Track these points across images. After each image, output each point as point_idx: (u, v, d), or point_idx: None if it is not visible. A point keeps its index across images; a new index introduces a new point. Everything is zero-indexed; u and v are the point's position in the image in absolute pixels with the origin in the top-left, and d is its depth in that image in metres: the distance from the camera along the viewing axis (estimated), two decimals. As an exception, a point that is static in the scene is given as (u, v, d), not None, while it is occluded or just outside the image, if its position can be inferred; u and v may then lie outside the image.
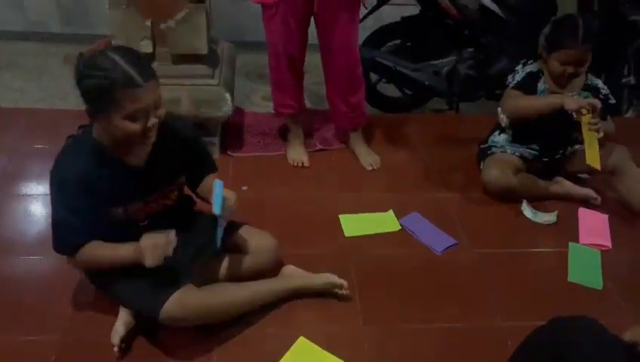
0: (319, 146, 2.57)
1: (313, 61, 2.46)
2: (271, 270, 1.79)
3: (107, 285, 1.62)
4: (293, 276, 1.80)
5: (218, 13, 3.64)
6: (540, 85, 2.14)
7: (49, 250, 1.55)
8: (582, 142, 2.11)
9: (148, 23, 2.09)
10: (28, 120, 2.66)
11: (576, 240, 2.12)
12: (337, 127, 2.60)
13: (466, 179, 2.42)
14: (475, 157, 2.47)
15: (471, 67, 2.93)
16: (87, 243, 1.50)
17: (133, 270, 1.50)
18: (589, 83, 2.20)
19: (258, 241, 1.75)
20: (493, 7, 2.77)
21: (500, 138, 2.33)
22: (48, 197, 1.52)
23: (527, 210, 2.22)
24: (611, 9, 2.81)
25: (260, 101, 3.25)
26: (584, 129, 1.98)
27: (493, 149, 2.32)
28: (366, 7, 2.40)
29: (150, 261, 1.44)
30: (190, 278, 1.59)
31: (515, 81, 2.17)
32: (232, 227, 1.72)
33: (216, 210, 1.57)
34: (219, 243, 1.64)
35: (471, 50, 2.92)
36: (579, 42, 1.99)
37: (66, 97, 2.97)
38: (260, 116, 2.80)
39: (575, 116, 1.99)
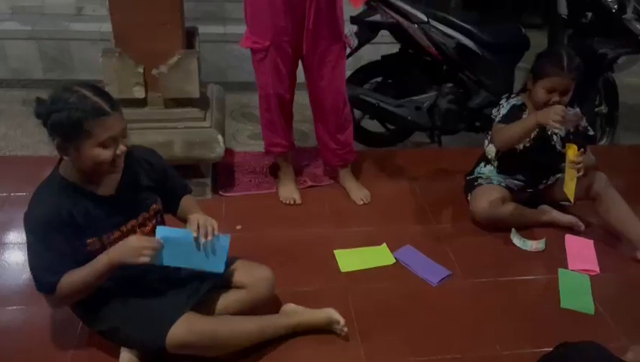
0: (310, 183, 2.61)
1: (296, 99, 2.52)
2: (268, 303, 1.79)
3: (107, 324, 1.61)
4: (295, 312, 1.81)
5: (201, 55, 3.72)
6: (525, 116, 2.23)
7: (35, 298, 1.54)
8: (562, 170, 2.22)
9: (140, 69, 2.13)
10: (11, 168, 2.64)
11: (565, 266, 2.18)
12: (327, 164, 2.65)
13: (455, 209, 2.48)
14: (460, 188, 2.54)
15: (451, 101, 3.02)
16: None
17: (127, 306, 1.54)
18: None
19: (253, 272, 1.76)
20: (470, 44, 2.88)
21: (485, 169, 2.40)
22: (26, 246, 1.53)
23: (516, 239, 2.28)
24: (581, 43, 2.95)
25: (246, 140, 3.28)
26: (567, 161, 2.07)
27: (480, 180, 2.39)
28: (351, 48, 2.48)
29: (134, 258, 1.47)
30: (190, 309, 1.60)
31: (500, 115, 2.26)
32: (226, 262, 1.73)
33: (219, 267, 1.59)
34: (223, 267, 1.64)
35: (450, 85, 3.02)
36: (564, 71, 2.11)
37: (51, 143, 2.96)
38: (250, 155, 2.84)
39: (561, 148, 2.09)
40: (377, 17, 2.89)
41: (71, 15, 3.66)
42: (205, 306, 1.70)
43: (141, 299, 1.60)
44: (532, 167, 2.30)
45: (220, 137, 2.28)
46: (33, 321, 1.81)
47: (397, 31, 2.95)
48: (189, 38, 2.31)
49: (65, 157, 1.49)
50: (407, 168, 2.84)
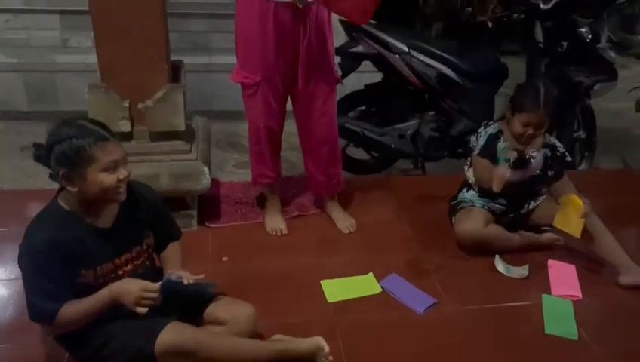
0: (296, 213, 2.63)
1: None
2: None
3: (93, 343, 1.61)
4: (282, 340, 1.81)
5: (187, 86, 3.74)
6: (500, 144, 2.29)
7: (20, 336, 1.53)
8: (542, 194, 2.31)
9: (126, 103, 2.15)
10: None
11: (549, 291, 2.21)
12: (314, 194, 2.66)
13: (440, 236, 2.51)
14: (444, 214, 2.57)
15: (433, 129, 3.08)
16: (62, 306, 1.52)
17: (118, 321, 1.56)
18: (548, 141, 2.38)
19: (235, 310, 1.76)
20: (451, 73, 2.95)
21: (468, 194, 2.45)
22: (10, 282, 1.53)
23: (500, 265, 2.31)
24: (557, 71, 3.04)
25: (233, 169, 3.30)
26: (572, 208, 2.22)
27: (463, 204, 2.43)
28: (342, 83, 2.49)
29: (132, 306, 1.52)
30: None
31: (478, 147, 2.33)
32: (209, 298, 1.74)
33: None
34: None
35: (432, 113, 3.08)
36: (540, 107, 2.18)
37: (34, 175, 2.96)
38: (236, 185, 2.85)
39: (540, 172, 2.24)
40: (360, 48, 2.96)
41: (56, 47, 3.67)
42: None
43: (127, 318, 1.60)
44: (512, 191, 2.33)
45: (205, 169, 2.30)
46: (18, 358, 1.78)
47: (379, 61, 3.01)
48: (175, 71, 2.34)
49: (70, 188, 1.52)
50: (392, 196, 2.87)
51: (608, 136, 3.74)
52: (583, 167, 3.32)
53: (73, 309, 1.53)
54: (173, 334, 1.56)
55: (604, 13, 3.01)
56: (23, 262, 1.53)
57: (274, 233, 2.47)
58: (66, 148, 1.47)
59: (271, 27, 2.11)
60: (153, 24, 2.11)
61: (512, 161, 2.26)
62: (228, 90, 3.83)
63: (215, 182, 2.82)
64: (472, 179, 2.43)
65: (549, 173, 2.36)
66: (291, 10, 2.10)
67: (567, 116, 3.18)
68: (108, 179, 1.51)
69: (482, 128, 2.38)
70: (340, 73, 2.52)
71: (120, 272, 1.63)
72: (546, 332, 2.02)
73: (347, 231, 2.52)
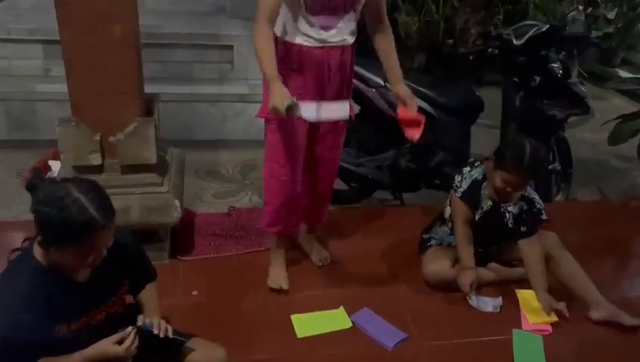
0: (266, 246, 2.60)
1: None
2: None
3: None
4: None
5: (167, 113, 3.76)
6: (483, 191, 2.26)
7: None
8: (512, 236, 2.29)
9: (97, 137, 2.16)
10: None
11: (519, 325, 2.21)
12: None
13: (412, 269, 2.49)
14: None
15: (410, 160, 3.11)
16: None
17: None
18: (527, 195, 2.28)
19: (207, 354, 1.73)
20: (426, 106, 2.99)
21: (440, 230, 2.45)
22: None
23: (472, 300, 2.31)
24: (531, 105, 3.09)
25: (211, 199, 3.28)
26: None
27: (433, 241, 2.44)
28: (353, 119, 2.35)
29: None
30: None
31: (461, 189, 2.26)
32: (180, 340, 1.70)
33: None
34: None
35: (409, 145, 3.10)
36: (522, 170, 2.09)
37: (11, 206, 2.94)
38: (211, 216, 2.85)
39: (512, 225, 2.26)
40: (337, 81, 3.00)
41: (38, 76, 3.69)
42: None
43: None
44: (483, 233, 2.32)
45: (177, 202, 2.29)
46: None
47: (356, 94, 3.04)
48: (149, 104, 2.35)
49: (43, 250, 1.46)
50: (367, 227, 2.87)
51: (585, 167, 3.79)
52: (559, 198, 3.35)
53: None
54: None
55: (574, 50, 3.06)
56: None
57: (275, 287, 2.33)
58: (56, 223, 1.37)
59: (304, 64, 2.04)
60: (126, 58, 2.13)
61: (484, 209, 2.25)
62: (209, 120, 3.89)
63: (190, 213, 2.81)
64: (447, 214, 2.43)
65: (522, 228, 2.27)
66: (328, 50, 2.05)
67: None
68: (86, 261, 1.45)
69: (468, 168, 2.31)
70: (354, 111, 2.42)
71: (93, 323, 1.59)
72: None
73: (320, 264, 2.51)
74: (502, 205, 2.26)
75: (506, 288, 2.41)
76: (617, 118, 3.40)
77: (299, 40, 2.01)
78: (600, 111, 4.46)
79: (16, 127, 3.64)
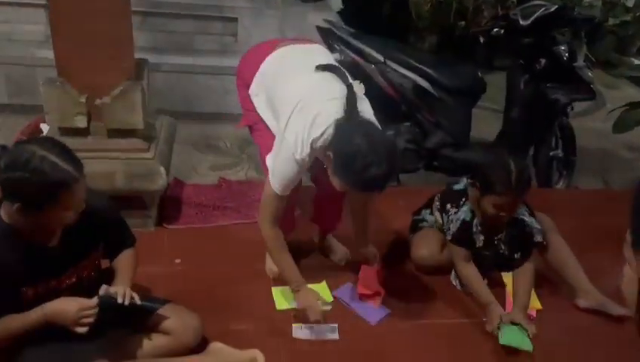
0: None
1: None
2: (193, 350, 1.75)
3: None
4: (219, 353, 1.77)
5: (167, 84, 3.74)
6: (474, 228, 2.15)
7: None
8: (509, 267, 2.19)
9: (83, 99, 2.13)
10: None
11: (503, 308, 2.16)
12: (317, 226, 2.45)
13: (401, 250, 2.46)
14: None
15: (409, 141, 3.06)
16: None
17: (43, 345, 1.48)
18: (517, 217, 2.14)
19: (180, 321, 1.73)
20: (427, 85, 2.93)
21: (430, 218, 2.39)
22: None
23: (455, 281, 2.27)
24: (535, 88, 3.01)
25: (207, 171, 3.27)
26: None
27: (424, 223, 2.39)
28: None
29: (71, 326, 1.47)
30: (105, 355, 1.55)
31: (451, 232, 2.14)
32: (150, 306, 1.69)
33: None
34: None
35: (408, 124, 3.05)
36: (512, 188, 1.96)
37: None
38: (201, 188, 2.82)
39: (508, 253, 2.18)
40: (336, 56, 2.94)
41: (39, 42, 3.67)
42: (126, 350, 1.66)
43: (54, 339, 1.53)
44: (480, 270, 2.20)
45: (162, 169, 2.27)
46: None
47: (355, 70, 2.98)
48: (138, 69, 2.32)
49: (20, 217, 1.43)
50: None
51: (592, 156, 3.71)
52: (560, 185, 3.28)
53: (3, 327, 1.48)
54: None
55: (582, 33, 2.97)
56: None
57: (273, 276, 2.24)
58: (30, 187, 1.36)
59: None
60: (114, 22, 2.10)
61: (477, 245, 2.16)
62: (210, 92, 3.86)
63: (179, 183, 2.80)
64: (435, 204, 2.35)
65: (516, 255, 2.17)
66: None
67: (544, 133, 3.15)
68: (68, 216, 1.46)
69: (454, 210, 2.14)
70: None
71: (63, 286, 1.58)
72: (501, 342, 1.96)
73: (343, 264, 2.36)
74: (495, 238, 2.16)
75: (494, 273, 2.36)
76: (624, 105, 3.30)
77: None
78: (613, 100, 4.37)
79: (17, 92, 3.64)
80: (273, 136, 1.94)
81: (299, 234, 2.31)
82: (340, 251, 2.41)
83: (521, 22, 2.92)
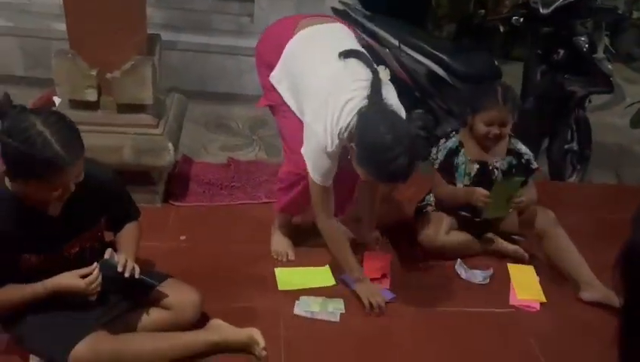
0: (264, 199, 2.58)
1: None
2: (193, 326, 1.76)
3: (16, 330, 1.59)
4: (218, 330, 1.78)
5: (182, 63, 3.74)
6: (460, 158, 2.24)
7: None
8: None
9: (93, 72, 2.14)
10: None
11: (507, 299, 2.16)
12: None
13: (407, 236, 2.44)
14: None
15: (420, 127, 3.02)
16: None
17: (42, 313, 1.51)
18: (512, 148, 2.28)
19: (180, 296, 1.73)
20: (441, 72, 2.89)
21: (431, 198, 2.38)
22: None
23: (460, 269, 2.25)
24: (552, 79, 2.95)
25: (217, 151, 3.26)
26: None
27: (428, 208, 2.37)
28: None
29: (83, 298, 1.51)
30: (104, 326, 1.57)
31: (437, 161, 2.28)
32: (150, 282, 1.69)
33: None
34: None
35: (420, 111, 3.02)
36: (500, 103, 2.12)
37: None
38: (209, 166, 2.83)
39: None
40: (351, 38, 2.91)
41: (56, 15, 3.68)
42: (125, 324, 1.68)
43: (54, 307, 1.56)
44: (475, 206, 2.23)
45: (170, 145, 2.27)
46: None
47: (369, 53, 2.95)
48: (150, 44, 2.32)
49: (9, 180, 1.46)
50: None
51: (608, 151, 3.64)
52: (573, 179, 3.22)
53: (7, 296, 1.51)
54: (88, 349, 1.49)
55: (603, 24, 2.90)
56: None
57: (279, 258, 2.23)
58: (18, 156, 1.36)
59: None
60: (127, -4, 2.09)
61: (472, 175, 2.21)
62: (224, 72, 3.85)
63: (188, 161, 2.80)
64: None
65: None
66: None
67: (559, 126, 3.09)
68: (52, 195, 1.44)
69: (443, 141, 2.31)
70: None
71: (65, 254, 1.60)
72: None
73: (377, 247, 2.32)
74: (489, 163, 2.22)
75: (499, 262, 2.34)
76: (642, 100, 3.23)
77: None
78: (633, 94, 4.27)
79: (33, 65, 3.66)
80: (296, 118, 1.95)
81: (302, 217, 2.31)
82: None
83: (542, 10, 2.86)
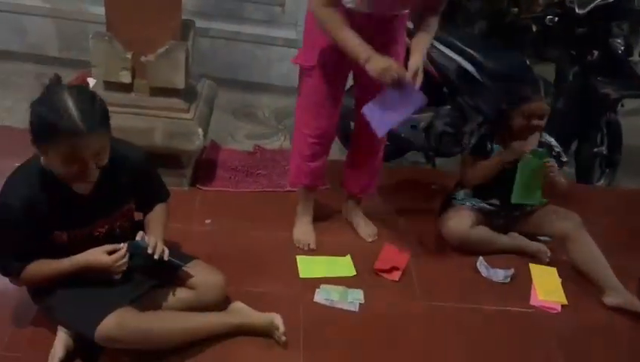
0: (288, 187, 2.59)
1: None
2: (216, 307, 1.79)
3: (46, 302, 1.64)
4: (239, 313, 1.81)
5: (213, 50, 3.78)
6: (494, 144, 2.27)
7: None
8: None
9: (129, 55, 2.18)
10: (5, 138, 2.69)
11: (528, 299, 2.15)
12: (345, 188, 2.43)
13: (429, 231, 2.45)
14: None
15: (447, 124, 3.00)
16: (30, 264, 1.55)
17: (72, 288, 1.56)
18: (543, 140, 2.31)
19: (205, 277, 1.77)
20: (471, 69, 2.86)
21: (460, 193, 2.38)
22: None
23: (482, 267, 2.25)
24: (584, 81, 2.91)
25: (243, 139, 3.30)
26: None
27: (454, 201, 2.37)
28: None
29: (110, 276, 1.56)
30: (131, 303, 1.61)
31: (470, 145, 2.33)
32: (177, 263, 1.73)
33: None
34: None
35: (448, 107, 3.00)
36: (541, 94, 2.16)
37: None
38: (236, 153, 2.86)
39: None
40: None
41: (93, -2, 3.75)
42: (151, 301, 1.71)
43: (84, 283, 1.60)
44: (507, 189, 2.23)
45: (200, 130, 2.31)
46: None
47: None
48: (185, 30, 2.35)
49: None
50: (394, 186, 2.81)
51: (636, 155, 3.56)
52: (601, 183, 3.18)
53: (37, 270, 1.56)
54: (115, 324, 1.52)
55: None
56: None
57: (300, 246, 2.25)
58: (39, 119, 1.39)
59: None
60: (164, -19, 2.12)
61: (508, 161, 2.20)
62: (254, 61, 3.88)
63: (216, 147, 2.84)
64: None
65: None
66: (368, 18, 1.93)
67: (590, 128, 3.05)
68: (65, 169, 1.44)
69: (476, 129, 2.36)
70: None
71: (95, 233, 1.64)
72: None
73: (370, 240, 2.35)
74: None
75: (521, 262, 2.32)
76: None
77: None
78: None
79: (67, 46, 3.74)
80: (319, 89, 2.00)
81: (325, 208, 2.33)
82: (368, 227, 2.40)
83: (578, 10, 2.82)
